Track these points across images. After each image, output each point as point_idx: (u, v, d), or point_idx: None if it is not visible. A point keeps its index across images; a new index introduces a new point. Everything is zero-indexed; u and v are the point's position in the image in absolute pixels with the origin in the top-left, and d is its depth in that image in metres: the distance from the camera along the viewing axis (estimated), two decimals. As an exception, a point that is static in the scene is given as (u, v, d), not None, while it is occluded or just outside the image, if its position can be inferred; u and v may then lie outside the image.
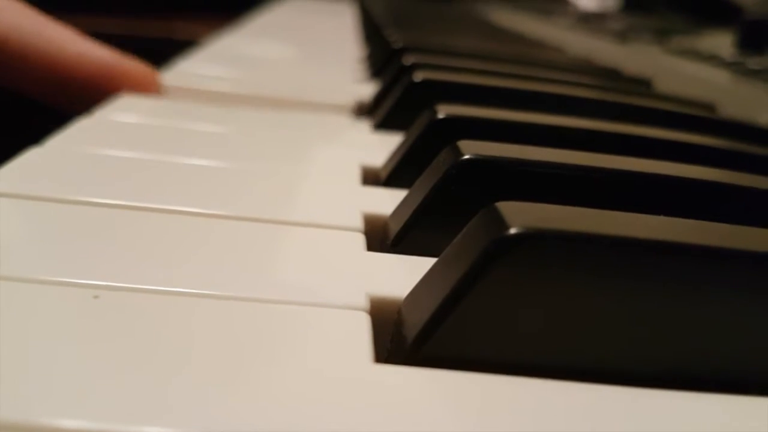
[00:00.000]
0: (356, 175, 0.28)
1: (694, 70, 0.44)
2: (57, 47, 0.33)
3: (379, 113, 0.36)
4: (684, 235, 0.17)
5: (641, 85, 0.45)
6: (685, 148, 0.28)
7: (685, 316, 0.16)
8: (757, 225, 0.18)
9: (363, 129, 0.35)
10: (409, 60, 0.39)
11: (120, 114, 0.33)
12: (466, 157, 0.21)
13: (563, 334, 0.16)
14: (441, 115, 0.27)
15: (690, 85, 0.42)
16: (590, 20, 0.72)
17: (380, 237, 0.23)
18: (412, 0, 1.07)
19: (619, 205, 0.19)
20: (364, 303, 0.18)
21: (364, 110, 0.36)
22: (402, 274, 0.19)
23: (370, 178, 0.28)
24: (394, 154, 0.28)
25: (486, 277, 0.15)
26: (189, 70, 0.45)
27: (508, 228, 0.15)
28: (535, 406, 0.14)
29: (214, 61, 0.49)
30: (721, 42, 0.48)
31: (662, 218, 0.18)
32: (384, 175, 0.28)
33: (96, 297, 0.16)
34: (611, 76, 0.48)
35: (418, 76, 0.34)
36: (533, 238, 0.15)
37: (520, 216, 0.16)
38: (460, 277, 0.15)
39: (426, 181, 0.22)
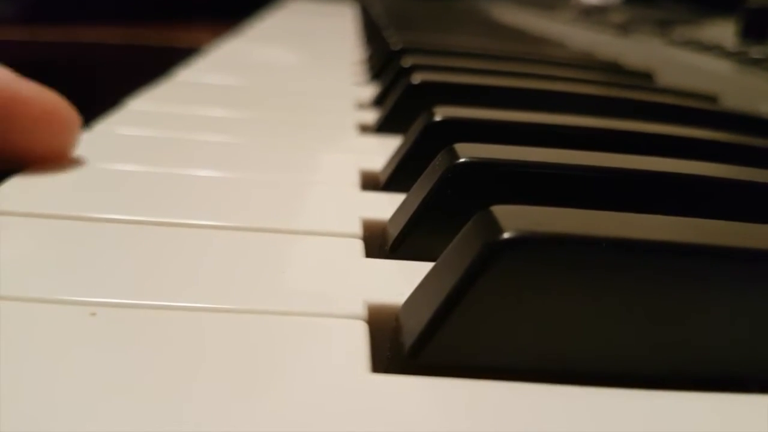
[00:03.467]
0: (356, 180, 0.28)
1: (697, 60, 0.44)
2: None
3: (379, 116, 0.36)
4: (684, 234, 0.17)
5: (643, 78, 0.45)
6: (688, 143, 0.28)
7: (687, 315, 0.16)
8: (762, 221, 0.18)
9: (362, 132, 0.35)
10: (407, 62, 0.39)
11: (121, 126, 0.33)
12: (462, 160, 0.21)
13: (561, 338, 0.16)
14: (438, 118, 0.27)
15: (692, 76, 0.42)
16: (592, 13, 0.72)
17: (380, 242, 0.23)
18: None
19: (622, 205, 0.19)
20: (362, 312, 0.17)
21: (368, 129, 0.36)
22: (400, 281, 0.19)
23: (370, 182, 0.28)
24: (393, 157, 0.28)
25: (481, 282, 0.15)
26: (189, 79, 0.45)
27: (501, 232, 0.15)
28: (534, 411, 0.14)
29: (216, 69, 0.49)
30: (724, 31, 0.48)
31: (660, 217, 0.18)
32: (383, 179, 0.27)
33: (93, 314, 0.16)
34: (613, 70, 0.48)
35: (417, 78, 0.34)
36: (527, 241, 0.15)
37: (514, 219, 0.16)
38: (455, 283, 0.15)
39: (423, 185, 0.22)
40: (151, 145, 0.31)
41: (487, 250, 0.15)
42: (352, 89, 0.46)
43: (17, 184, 0.24)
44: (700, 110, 0.35)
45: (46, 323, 0.16)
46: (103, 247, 0.20)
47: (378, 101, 0.41)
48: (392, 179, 0.27)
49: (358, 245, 0.21)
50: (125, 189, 0.25)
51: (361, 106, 0.41)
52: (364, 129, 0.36)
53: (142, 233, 0.21)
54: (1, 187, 0.24)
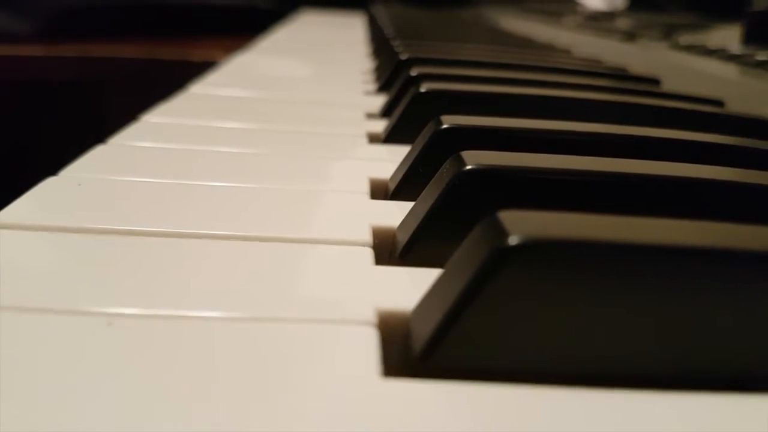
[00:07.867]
0: (365, 189, 0.28)
1: (703, 65, 0.44)
2: None
3: (387, 125, 0.37)
4: (691, 237, 0.17)
5: (650, 83, 0.45)
6: (695, 147, 0.28)
7: (694, 318, 0.16)
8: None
9: (372, 141, 0.36)
10: (415, 71, 0.39)
11: (135, 140, 0.34)
12: (469, 167, 0.21)
13: (570, 341, 0.16)
14: (445, 126, 0.27)
15: (699, 81, 0.42)
16: (599, 20, 0.72)
17: (389, 249, 0.23)
18: (420, 9, 1.08)
19: (630, 209, 0.19)
20: (372, 318, 0.18)
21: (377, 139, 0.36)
22: (410, 287, 0.19)
23: (380, 190, 0.29)
24: (401, 165, 0.29)
25: (487, 287, 0.15)
26: (202, 92, 0.46)
27: (507, 237, 0.15)
28: (544, 414, 0.14)
29: (228, 82, 0.50)
30: (729, 36, 0.48)
31: (668, 221, 0.18)
32: (392, 187, 0.28)
33: (110, 325, 0.17)
34: (620, 76, 0.48)
35: (424, 87, 0.34)
36: (533, 246, 0.15)
37: (520, 224, 0.16)
38: (463, 288, 0.16)
39: (431, 193, 0.22)
40: (165, 157, 0.31)
41: (493, 254, 0.15)
42: (361, 99, 0.46)
43: (31, 198, 0.25)
44: (707, 114, 0.35)
45: (66, 334, 0.16)
46: (118, 258, 0.21)
47: (387, 110, 0.41)
48: (401, 187, 0.27)
49: (368, 253, 0.22)
50: (139, 200, 0.26)
51: (371, 115, 0.41)
52: (374, 138, 0.36)
53: (156, 244, 0.22)
54: (16, 202, 0.24)
